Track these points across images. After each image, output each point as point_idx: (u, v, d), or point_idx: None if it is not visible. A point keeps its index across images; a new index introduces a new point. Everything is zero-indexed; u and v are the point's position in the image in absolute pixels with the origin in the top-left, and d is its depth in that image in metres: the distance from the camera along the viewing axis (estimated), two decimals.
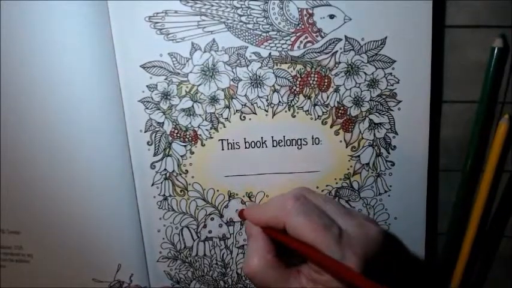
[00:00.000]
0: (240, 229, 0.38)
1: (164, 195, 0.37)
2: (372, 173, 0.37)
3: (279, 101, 0.36)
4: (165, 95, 0.35)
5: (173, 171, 0.37)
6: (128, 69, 0.34)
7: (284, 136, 0.36)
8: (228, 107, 0.36)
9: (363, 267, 0.27)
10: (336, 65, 0.35)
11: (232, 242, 0.39)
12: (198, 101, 0.35)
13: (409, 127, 0.36)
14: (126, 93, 0.35)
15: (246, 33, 0.34)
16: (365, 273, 0.27)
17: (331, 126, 0.36)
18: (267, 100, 0.36)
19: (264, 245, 0.30)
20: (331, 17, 0.34)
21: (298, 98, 0.36)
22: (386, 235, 0.30)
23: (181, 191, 0.37)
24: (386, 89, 0.35)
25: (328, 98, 0.36)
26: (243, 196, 0.37)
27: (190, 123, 0.36)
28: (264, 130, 0.36)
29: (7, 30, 0.33)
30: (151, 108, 0.35)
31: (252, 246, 0.31)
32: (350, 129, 0.36)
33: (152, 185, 0.37)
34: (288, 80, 0.35)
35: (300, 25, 0.34)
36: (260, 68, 0.35)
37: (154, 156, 0.36)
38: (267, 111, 0.36)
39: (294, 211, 0.29)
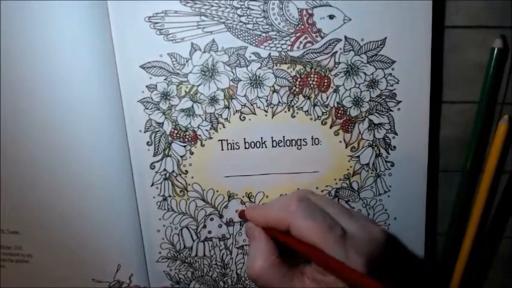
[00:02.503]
0: (240, 229, 0.38)
1: (164, 195, 0.37)
2: (372, 173, 0.37)
3: (279, 102, 0.36)
4: (165, 95, 0.35)
5: (173, 171, 0.37)
6: (127, 70, 0.34)
7: (284, 136, 0.36)
8: (227, 107, 0.36)
9: (366, 268, 0.27)
10: (336, 66, 0.35)
11: (232, 243, 0.39)
12: (198, 101, 0.35)
13: (409, 127, 0.36)
14: (125, 94, 0.35)
15: (246, 34, 0.34)
16: (369, 274, 0.27)
17: (331, 127, 0.36)
18: (266, 100, 0.36)
19: (267, 246, 0.30)
20: (331, 17, 0.34)
21: (298, 98, 0.36)
22: (389, 237, 0.30)
23: (180, 192, 0.37)
24: (386, 89, 0.35)
25: (327, 98, 0.36)
26: (243, 196, 0.37)
27: (190, 123, 0.36)
28: (264, 130, 0.36)
29: (7, 30, 0.33)
30: (151, 109, 0.35)
31: (255, 248, 0.31)
32: (350, 130, 0.36)
33: (152, 185, 0.37)
34: (288, 80, 0.35)
35: (299, 25, 0.34)
36: (260, 68, 0.35)
37: (153, 156, 0.36)
38: (266, 112, 0.36)
39: (298, 212, 0.29)
